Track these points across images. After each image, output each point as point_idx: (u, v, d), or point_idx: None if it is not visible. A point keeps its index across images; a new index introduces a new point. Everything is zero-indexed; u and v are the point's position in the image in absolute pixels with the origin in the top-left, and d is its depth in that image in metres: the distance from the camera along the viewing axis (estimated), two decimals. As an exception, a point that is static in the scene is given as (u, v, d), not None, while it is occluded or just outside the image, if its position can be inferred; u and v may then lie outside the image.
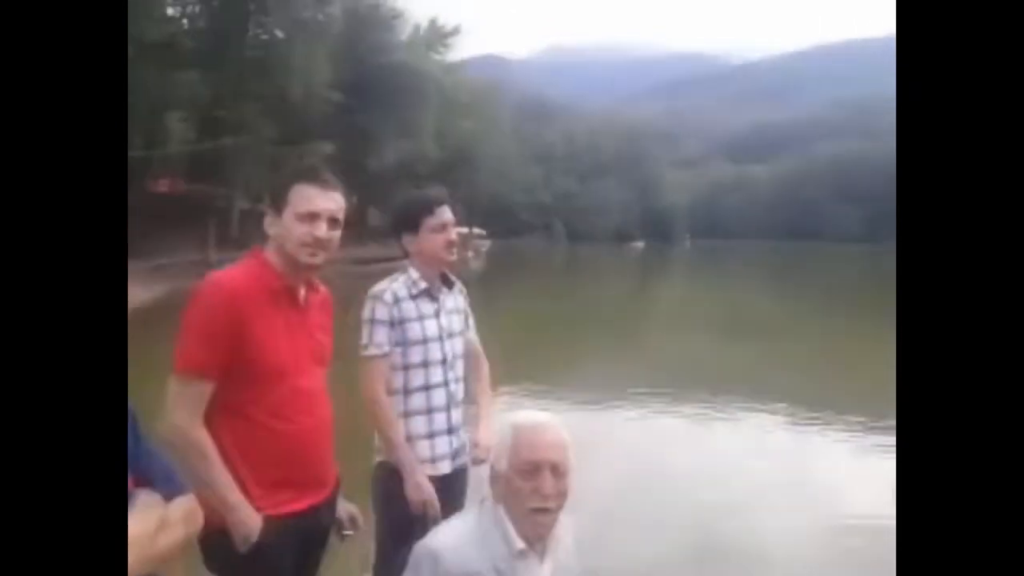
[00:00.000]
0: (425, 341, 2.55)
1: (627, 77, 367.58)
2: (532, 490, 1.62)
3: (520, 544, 1.64)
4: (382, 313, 2.52)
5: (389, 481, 2.51)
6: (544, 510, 1.63)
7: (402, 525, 2.38)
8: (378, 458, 2.58)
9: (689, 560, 4.48)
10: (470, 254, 46.29)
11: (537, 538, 1.66)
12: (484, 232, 59.28)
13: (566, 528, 1.74)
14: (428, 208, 2.62)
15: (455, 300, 2.73)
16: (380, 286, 2.57)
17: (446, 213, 2.63)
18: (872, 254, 58.28)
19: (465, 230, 54.98)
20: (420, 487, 2.45)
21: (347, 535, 2.17)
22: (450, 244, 2.62)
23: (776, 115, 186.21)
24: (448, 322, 2.64)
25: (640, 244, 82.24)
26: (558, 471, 1.64)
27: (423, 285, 2.59)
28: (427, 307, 2.59)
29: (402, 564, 1.74)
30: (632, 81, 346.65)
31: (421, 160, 43.65)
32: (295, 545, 1.96)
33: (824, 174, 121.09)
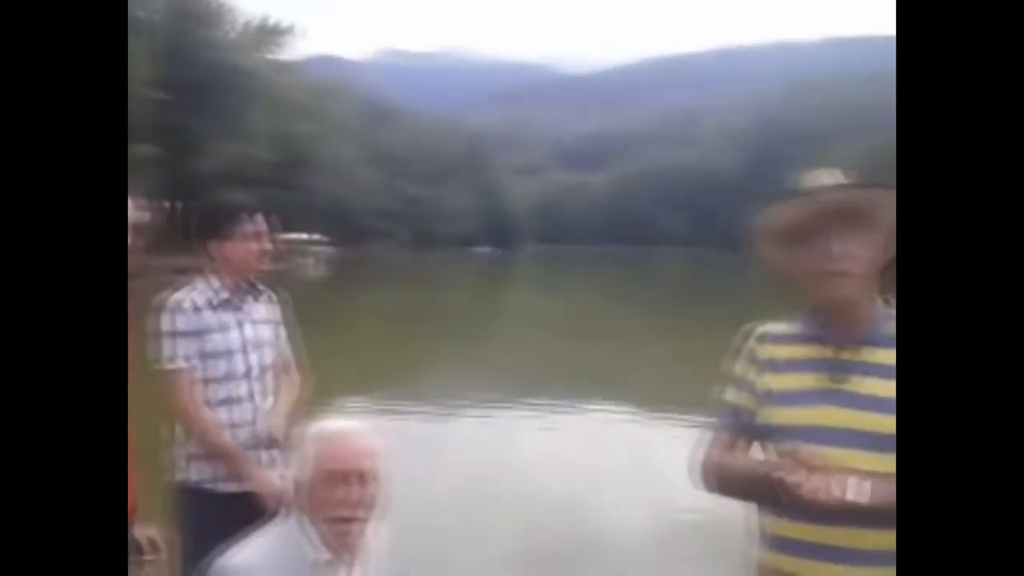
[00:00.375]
0: (228, 353, 2.48)
1: (466, 83, 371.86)
2: (340, 499, 1.59)
3: (326, 554, 1.59)
4: (183, 324, 2.44)
5: (193, 498, 2.45)
6: (352, 519, 1.60)
7: (210, 545, 2.16)
8: (177, 476, 2.50)
9: (535, 554, 4.60)
10: (310, 261, 44.70)
11: (345, 548, 1.62)
12: (324, 239, 57.46)
13: (378, 535, 1.70)
14: (240, 215, 2.52)
15: (264, 310, 2.62)
16: (178, 296, 2.49)
17: (260, 221, 2.54)
18: (696, 257, 62.32)
19: (304, 236, 53.18)
20: (266, 482, 2.40)
21: (148, 560, 2.00)
22: (264, 253, 2.54)
23: (610, 125, 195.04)
24: (255, 333, 2.56)
25: (486, 249, 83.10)
26: (365, 479, 1.61)
27: (225, 295, 2.51)
28: (230, 317, 2.51)
29: None
30: (472, 88, 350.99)
31: (253, 163, 41.47)
32: None
33: (655, 181, 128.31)
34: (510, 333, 18.64)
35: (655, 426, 8.45)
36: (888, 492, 1.26)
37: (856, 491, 1.30)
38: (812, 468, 1.31)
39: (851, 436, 1.38)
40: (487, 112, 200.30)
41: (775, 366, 1.51)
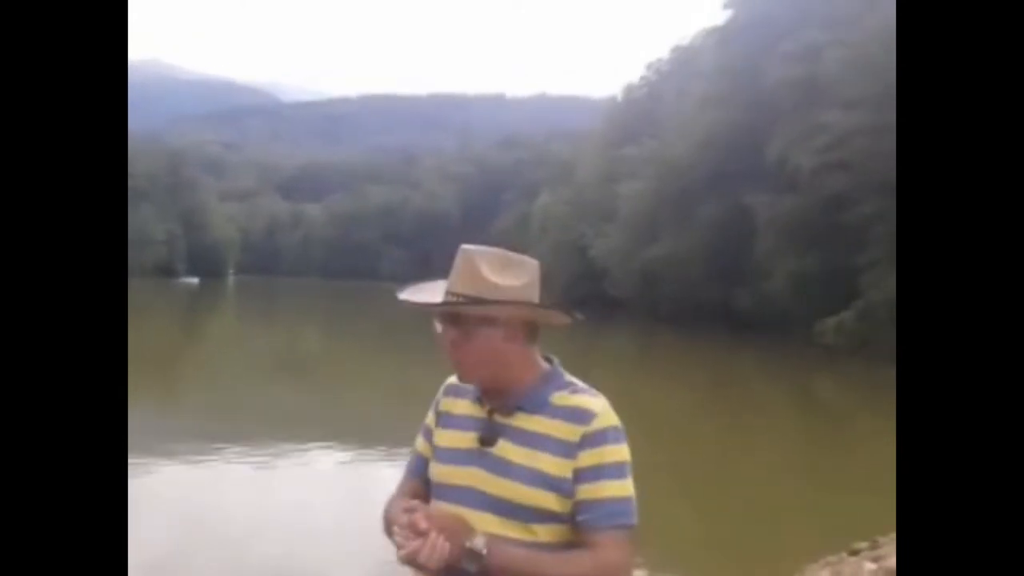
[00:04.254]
0: None
1: (170, 100, 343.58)
2: None
3: None
4: None
5: None
6: None
7: None
8: None
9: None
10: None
11: None
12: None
13: None
14: None
15: None
16: None
17: None
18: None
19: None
20: None
21: None
22: None
23: (326, 156, 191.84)
24: None
25: (194, 280, 75.55)
26: None
27: None
28: None
29: None
30: (176, 105, 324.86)
31: None
32: None
33: (375, 217, 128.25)
34: (214, 371, 16.56)
35: (374, 466, 8.02)
36: (507, 560, 1.32)
37: (468, 557, 1.29)
38: (419, 531, 1.30)
39: (486, 499, 1.43)
40: (193, 132, 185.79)
41: (447, 421, 1.57)
